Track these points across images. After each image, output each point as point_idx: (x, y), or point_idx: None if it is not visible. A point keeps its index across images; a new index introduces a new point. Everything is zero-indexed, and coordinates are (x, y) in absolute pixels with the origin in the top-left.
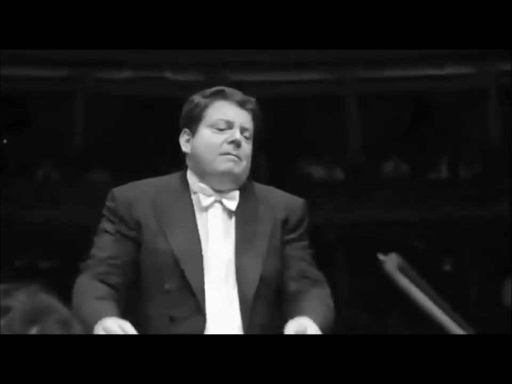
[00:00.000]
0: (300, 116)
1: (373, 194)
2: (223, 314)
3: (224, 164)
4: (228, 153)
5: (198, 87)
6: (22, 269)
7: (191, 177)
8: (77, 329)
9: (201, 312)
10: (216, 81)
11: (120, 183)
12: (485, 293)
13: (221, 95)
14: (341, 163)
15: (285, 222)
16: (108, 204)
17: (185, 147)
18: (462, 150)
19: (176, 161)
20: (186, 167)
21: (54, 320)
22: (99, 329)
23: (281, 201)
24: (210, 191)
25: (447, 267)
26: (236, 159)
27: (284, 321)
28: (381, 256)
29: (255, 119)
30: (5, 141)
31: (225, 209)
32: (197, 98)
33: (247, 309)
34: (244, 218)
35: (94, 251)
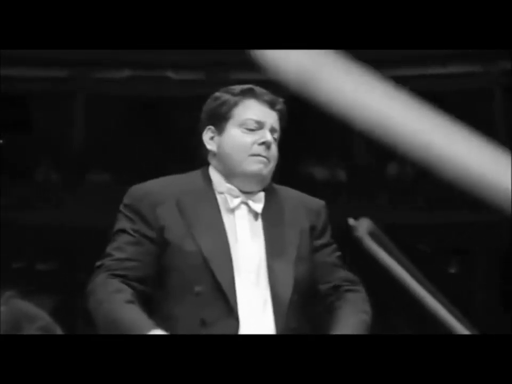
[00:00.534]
0: (302, 116)
1: (377, 196)
2: (257, 318)
3: (254, 166)
4: (258, 155)
5: (200, 86)
6: (19, 271)
7: (215, 176)
8: (59, 333)
9: (234, 315)
10: (218, 80)
11: (120, 184)
12: (491, 297)
13: (251, 93)
14: (344, 164)
15: (312, 228)
16: (128, 201)
17: (210, 145)
18: None
19: (178, 162)
20: (207, 165)
21: (36, 327)
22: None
23: (305, 206)
24: (237, 192)
25: (453, 270)
26: (266, 161)
27: (316, 324)
28: (351, 221)
29: (281, 119)
30: (1, 141)
31: (251, 211)
32: (225, 95)
33: (282, 313)
34: (271, 222)
35: (111, 250)
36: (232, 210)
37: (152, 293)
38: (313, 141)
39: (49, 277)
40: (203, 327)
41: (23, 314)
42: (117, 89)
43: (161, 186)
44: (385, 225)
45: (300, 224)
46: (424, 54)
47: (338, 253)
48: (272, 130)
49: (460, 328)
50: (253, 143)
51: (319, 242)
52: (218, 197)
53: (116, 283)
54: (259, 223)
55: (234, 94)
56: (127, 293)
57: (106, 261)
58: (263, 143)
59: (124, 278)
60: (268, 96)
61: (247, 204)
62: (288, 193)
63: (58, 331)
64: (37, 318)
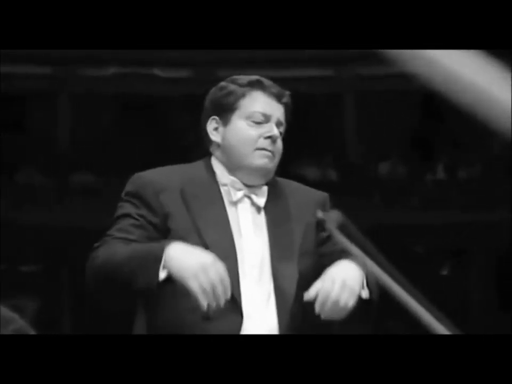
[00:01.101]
0: (294, 115)
1: (369, 195)
2: (260, 313)
3: (259, 160)
4: (264, 149)
5: (188, 84)
6: (1, 273)
7: (218, 168)
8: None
9: (238, 310)
10: (207, 78)
11: (105, 185)
12: (485, 299)
13: (258, 85)
14: (336, 163)
15: (317, 222)
16: (132, 188)
17: (214, 136)
18: (461, 151)
19: (167, 162)
20: (210, 156)
21: (10, 330)
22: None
23: (310, 199)
24: (240, 184)
25: (446, 272)
26: (271, 155)
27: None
28: (320, 214)
29: (287, 112)
30: None
31: (254, 204)
32: (231, 85)
33: (286, 309)
34: (275, 216)
35: (113, 232)
36: (235, 203)
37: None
38: (305, 141)
39: (32, 278)
40: (206, 322)
41: None
42: (102, 87)
43: (165, 175)
44: (378, 225)
45: (305, 217)
46: (279, 56)
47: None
48: (278, 124)
49: (428, 319)
50: (259, 136)
51: (325, 234)
52: (222, 189)
53: (120, 241)
54: (262, 217)
55: (241, 85)
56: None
57: (107, 240)
58: (269, 137)
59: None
60: (275, 88)
61: (250, 198)
62: (292, 187)
63: (31, 333)
64: (11, 321)
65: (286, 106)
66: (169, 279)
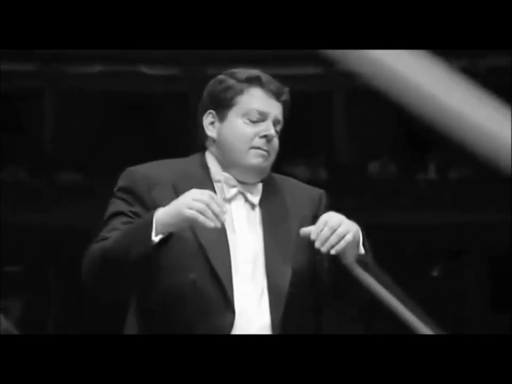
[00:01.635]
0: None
1: (360, 195)
2: (252, 311)
3: (254, 159)
4: (259, 148)
5: (175, 82)
6: None
7: (212, 163)
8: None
9: (230, 307)
10: (195, 75)
11: (94, 183)
12: (477, 301)
13: (257, 81)
14: (326, 163)
15: (314, 218)
16: (124, 183)
17: (210, 131)
18: (452, 151)
19: (156, 159)
20: (204, 150)
21: None
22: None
23: (306, 196)
24: (234, 181)
25: (438, 273)
26: (266, 154)
27: (320, 320)
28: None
29: (285, 110)
30: None
31: (248, 201)
32: (229, 80)
33: (279, 306)
34: (270, 213)
35: (105, 233)
36: (228, 200)
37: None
38: (296, 140)
39: (17, 279)
40: (199, 317)
41: None
42: (88, 85)
43: (158, 169)
44: (368, 225)
45: (300, 214)
46: (269, 54)
47: None
48: (275, 122)
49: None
50: (255, 135)
51: None
52: (216, 185)
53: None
54: (257, 213)
55: (239, 80)
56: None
57: (100, 239)
58: (264, 136)
59: None
60: (274, 85)
61: (244, 195)
62: (288, 183)
63: (15, 333)
64: None
65: (284, 103)
66: (158, 272)
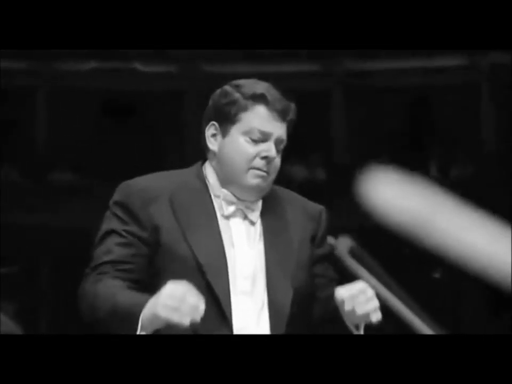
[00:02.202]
0: None
1: (358, 195)
2: (251, 329)
3: (252, 180)
4: (259, 169)
5: (170, 79)
6: None
7: (212, 177)
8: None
9: (227, 325)
10: (190, 73)
11: (85, 184)
12: (476, 303)
13: (262, 99)
14: (324, 162)
15: (313, 237)
16: (119, 198)
17: (211, 144)
18: (454, 149)
19: (148, 160)
20: (202, 162)
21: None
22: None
23: (306, 212)
24: (233, 198)
25: (437, 275)
26: (265, 175)
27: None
28: (331, 240)
29: (290, 127)
30: None
31: (247, 218)
32: (235, 94)
33: (279, 325)
34: (270, 229)
35: (101, 254)
36: (227, 217)
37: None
38: (293, 139)
39: (10, 279)
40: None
41: None
42: (81, 82)
43: (154, 183)
44: (365, 227)
45: (300, 231)
46: (265, 51)
47: (331, 266)
48: (277, 142)
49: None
50: (255, 155)
51: (319, 252)
52: (214, 200)
53: (110, 280)
54: (257, 228)
55: (245, 96)
56: (122, 284)
57: (96, 266)
58: (265, 157)
59: (118, 279)
60: (280, 104)
61: (243, 211)
62: (289, 197)
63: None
64: None
65: (289, 122)
66: (156, 289)
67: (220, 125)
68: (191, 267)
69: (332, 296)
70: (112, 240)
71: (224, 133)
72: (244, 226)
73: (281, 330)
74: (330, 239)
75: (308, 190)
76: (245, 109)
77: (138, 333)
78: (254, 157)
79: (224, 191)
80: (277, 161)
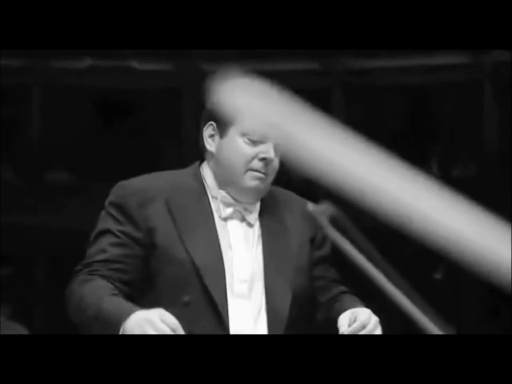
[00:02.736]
0: None
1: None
2: (248, 332)
3: (250, 182)
4: (257, 171)
5: (167, 78)
6: None
7: (209, 178)
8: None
9: (224, 329)
10: (188, 71)
11: (82, 184)
12: (479, 303)
13: None
14: None
15: (312, 239)
16: (115, 199)
17: (209, 144)
18: (455, 149)
19: (145, 159)
20: (200, 162)
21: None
22: (136, 324)
23: (305, 214)
24: (230, 200)
25: (438, 276)
26: (264, 177)
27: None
28: (310, 206)
29: None
30: None
31: (245, 220)
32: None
33: (277, 328)
34: (268, 231)
35: (93, 253)
36: (225, 219)
37: (138, 299)
38: None
39: (3, 281)
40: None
41: None
42: (76, 81)
43: (151, 184)
44: (366, 226)
45: (299, 233)
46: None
47: (332, 267)
48: (276, 144)
49: (420, 318)
50: (254, 157)
51: (318, 253)
52: (211, 201)
53: (99, 280)
54: (255, 231)
55: None
56: (110, 288)
57: (88, 264)
58: (263, 159)
59: (108, 278)
60: None
61: (240, 213)
62: (288, 198)
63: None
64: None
65: None
66: (150, 291)
67: (218, 125)
68: (188, 270)
69: (333, 298)
70: (106, 240)
71: (222, 133)
72: (241, 228)
73: (279, 334)
74: (310, 205)
75: (308, 189)
76: None
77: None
78: (252, 158)
79: (222, 192)
80: (275, 163)
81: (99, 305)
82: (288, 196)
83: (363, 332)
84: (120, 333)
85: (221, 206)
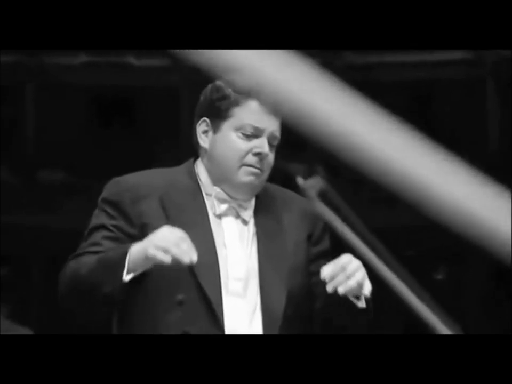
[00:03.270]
0: None
1: (357, 195)
2: (243, 331)
3: (244, 177)
4: (251, 166)
5: (165, 74)
6: None
7: (203, 175)
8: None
9: (219, 327)
10: (186, 67)
11: (77, 183)
12: (480, 303)
13: None
14: (322, 161)
15: (309, 236)
16: (108, 195)
17: (202, 140)
18: (457, 148)
19: (141, 157)
20: (194, 159)
21: None
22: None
23: (302, 211)
24: (225, 196)
25: (440, 276)
26: (259, 172)
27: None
28: (300, 181)
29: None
30: None
31: (239, 217)
32: (227, 89)
33: (272, 327)
34: (264, 229)
35: (86, 246)
36: (219, 216)
37: (131, 296)
38: (290, 137)
39: (2, 282)
40: (183, 326)
41: None
42: (71, 77)
43: (145, 180)
44: (367, 226)
45: (295, 232)
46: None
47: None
48: (271, 138)
49: (405, 292)
50: (248, 151)
51: (316, 249)
52: (206, 198)
53: (92, 255)
54: (250, 228)
55: (236, 90)
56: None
57: (80, 254)
58: (258, 154)
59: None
60: None
61: (235, 210)
62: (284, 196)
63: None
64: None
65: None
66: (142, 290)
67: (211, 120)
68: (182, 268)
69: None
70: (100, 234)
71: (216, 129)
72: (236, 225)
73: (274, 332)
74: (299, 180)
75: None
76: (237, 103)
77: (124, 276)
78: (246, 153)
79: (216, 189)
80: (270, 158)
81: (99, 256)
82: (287, 195)
83: (345, 274)
84: (127, 262)
85: (215, 202)
